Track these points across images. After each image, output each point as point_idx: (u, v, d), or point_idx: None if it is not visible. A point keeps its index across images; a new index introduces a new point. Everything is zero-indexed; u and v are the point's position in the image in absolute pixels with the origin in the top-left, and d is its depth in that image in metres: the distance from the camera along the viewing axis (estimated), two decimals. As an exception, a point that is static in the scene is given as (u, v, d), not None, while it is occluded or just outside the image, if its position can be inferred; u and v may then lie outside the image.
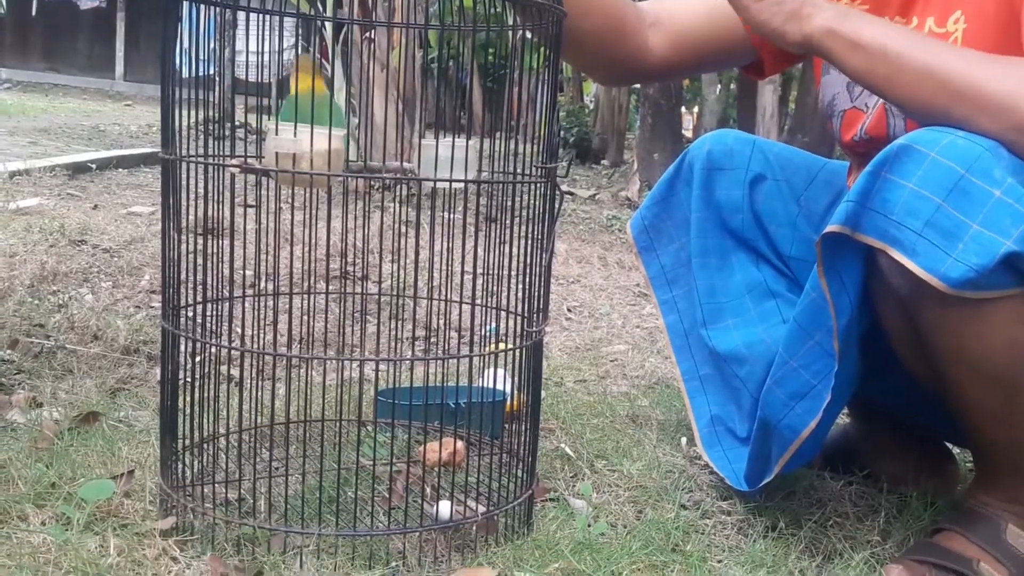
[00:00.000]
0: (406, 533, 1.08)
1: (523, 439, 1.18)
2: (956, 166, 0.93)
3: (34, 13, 15.46)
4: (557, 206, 1.16)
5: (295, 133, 1.03)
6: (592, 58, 1.37)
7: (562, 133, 9.23)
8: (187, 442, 1.13)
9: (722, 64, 1.45)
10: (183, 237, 1.08)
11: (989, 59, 1.00)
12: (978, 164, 0.93)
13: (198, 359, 1.17)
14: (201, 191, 1.07)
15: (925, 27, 1.12)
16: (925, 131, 0.98)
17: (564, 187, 6.01)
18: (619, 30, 1.31)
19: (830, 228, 1.01)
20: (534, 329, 1.16)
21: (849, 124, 1.27)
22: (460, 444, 1.28)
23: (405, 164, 1.21)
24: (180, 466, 1.12)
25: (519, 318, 1.19)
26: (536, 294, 1.16)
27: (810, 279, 1.07)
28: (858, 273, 1.04)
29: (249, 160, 1.12)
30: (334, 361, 1.68)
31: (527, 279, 1.15)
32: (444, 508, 1.10)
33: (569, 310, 2.58)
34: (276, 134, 1.06)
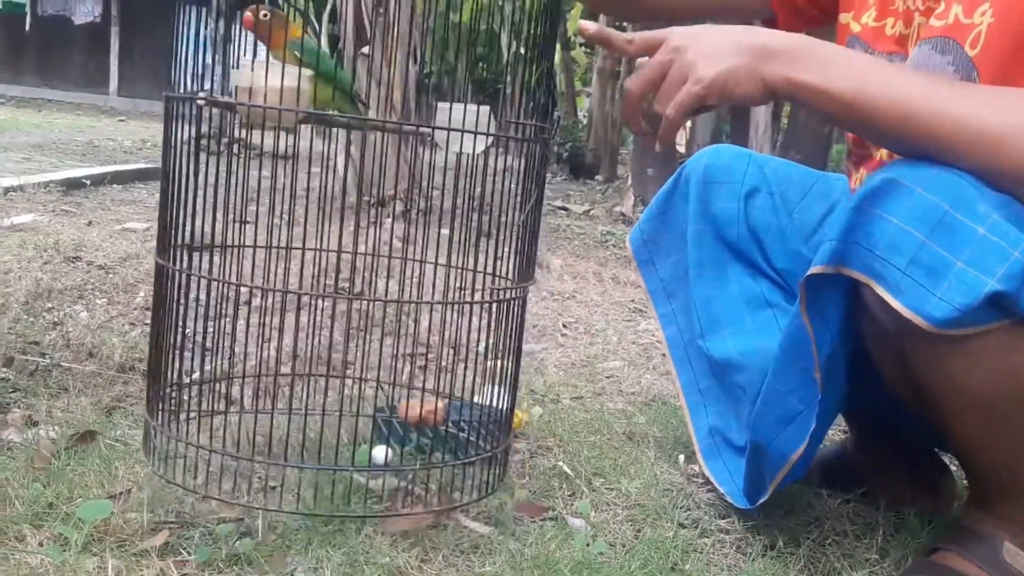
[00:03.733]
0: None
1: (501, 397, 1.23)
2: (940, 201, 0.93)
3: (28, 28, 15.48)
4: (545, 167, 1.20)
5: (254, 68, 1.05)
6: None
7: (556, 148, 9.26)
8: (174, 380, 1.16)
9: (735, 11, 1.43)
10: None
11: (967, 94, 0.99)
12: (962, 199, 0.93)
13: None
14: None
15: (951, 15, 1.09)
16: (910, 164, 0.98)
17: (559, 203, 5.99)
18: None
19: (814, 270, 1.01)
20: (521, 285, 1.20)
21: None
22: (440, 403, 1.30)
23: (423, 128, 1.21)
24: (166, 401, 1.14)
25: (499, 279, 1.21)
26: (522, 250, 1.19)
27: (794, 309, 1.07)
28: (840, 305, 1.04)
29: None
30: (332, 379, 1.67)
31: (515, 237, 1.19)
32: (379, 453, 1.18)
33: (565, 326, 2.58)
34: (239, 69, 1.08)
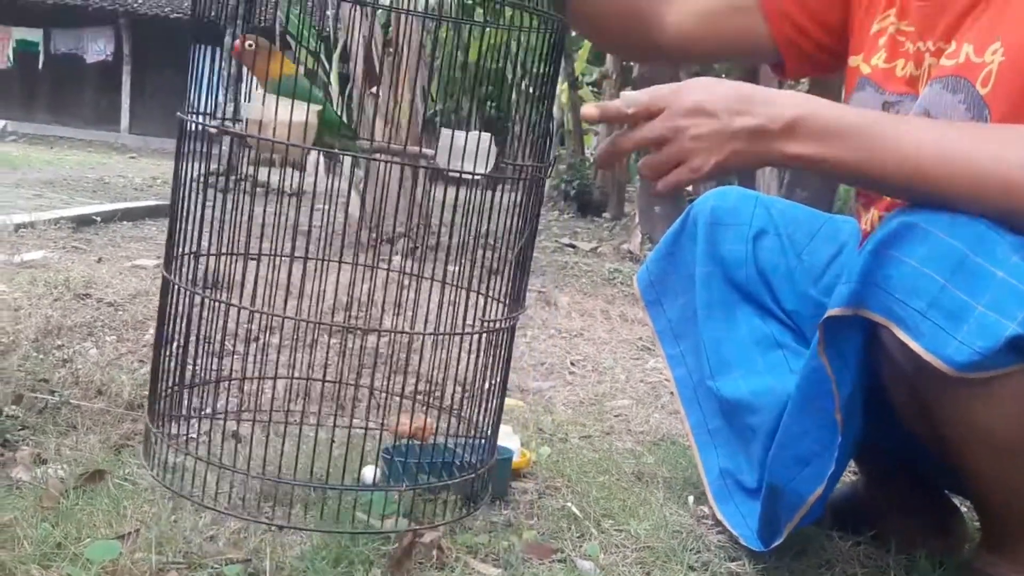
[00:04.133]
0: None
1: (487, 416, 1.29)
2: (959, 244, 0.93)
3: (41, 66, 15.66)
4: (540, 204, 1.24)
5: (265, 102, 1.07)
6: (604, 32, 1.41)
7: (563, 186, 9.30)
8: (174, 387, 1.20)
9: (742, 55, 1.44)
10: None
11: (976, 139, 0.99)
12: (981, 242, 0.93)
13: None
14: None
15: (962, 54, 1.10)
16: (927, 207, 0.98)
17: (566, 240, 6.00)
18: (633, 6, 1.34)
19: (832, 312, 1.01)
20: (511, 316, 1.24)
21: None
22: (429, 420, 1.34)
23: (426, 151, 1.24)
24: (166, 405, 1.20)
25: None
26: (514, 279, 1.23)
27: (811, 350, 1.07)
28: (858, 345, 1.04)
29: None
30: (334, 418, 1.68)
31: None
32: (368, 472, 1.21)
33: (573, 363, 2.58)
34: (251, 102, 1.10)
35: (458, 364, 1.23)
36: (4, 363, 1.93)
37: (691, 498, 1.49)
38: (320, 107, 1.16)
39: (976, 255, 0.93)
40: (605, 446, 1.80)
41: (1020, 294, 0.90)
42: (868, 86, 1.24)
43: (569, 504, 1.42)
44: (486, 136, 1.17)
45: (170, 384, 1.25)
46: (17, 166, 8.02)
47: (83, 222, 4.45)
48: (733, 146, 1.01)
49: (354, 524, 1.21)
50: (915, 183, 0.98)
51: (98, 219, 4.60)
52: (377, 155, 1.25)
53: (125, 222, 4.81)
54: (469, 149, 1.12)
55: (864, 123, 1.01)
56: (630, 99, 1.05)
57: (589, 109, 1.08)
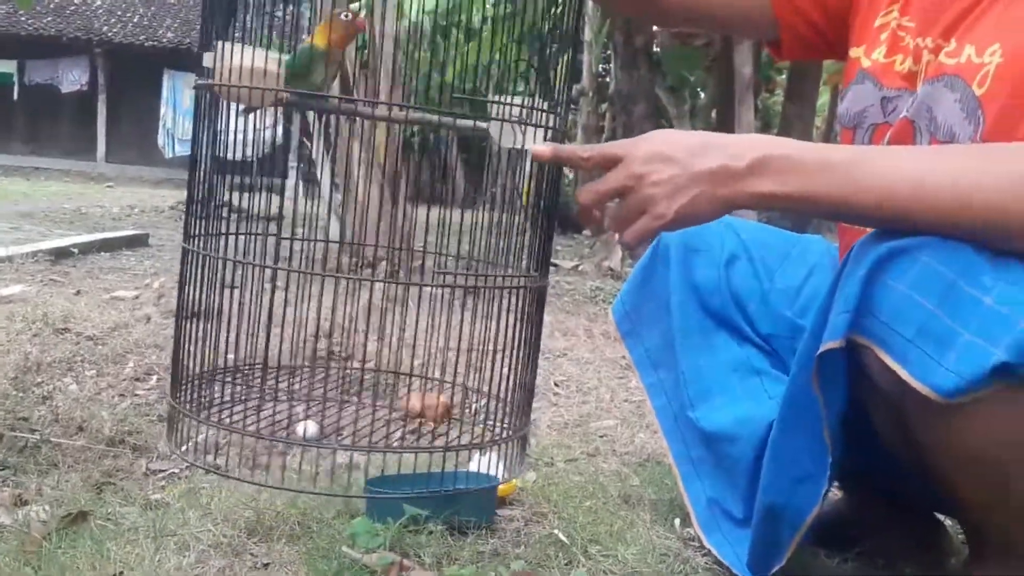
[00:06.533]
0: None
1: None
2: (948, 271, 0.93)
3: (15, 97, 15.58)
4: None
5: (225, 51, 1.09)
6: None
7: (542, 203, 9.31)
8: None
9: (742, 27, 1.42)
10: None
11: (957, 169, 0.97)
12: (969, 269, 0.93)
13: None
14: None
15: (964, 55, 1.09)
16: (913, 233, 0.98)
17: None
18: None
19: (829, 345, 1.00)
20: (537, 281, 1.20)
21: (877, 139, 1.25)
22: (442, 398, 1.29)
23: (480, 124, 1.20)
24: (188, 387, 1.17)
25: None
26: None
27: (795, 368, 1.07)
28: (843, 367, 1.04)
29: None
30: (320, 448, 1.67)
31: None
32: (309, 427, 1.19)
33: (556, 384, 2.57)
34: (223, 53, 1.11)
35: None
36: (-17, 403, 1.91)
37: (677, 520, 1.49)
38: (285, 56, 1.16)
39: (963, 281, 0.92)
40: (591, 469, 1.80)
41: (1006, 321, 0.90)
42: (867, 80, 1.23)
43: (556, 531, 1.42)
44: (537, 132, 1.14)
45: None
46: (-7, 198, 7.97)
47: (61, 254, 4.43)
48: (696, 189, 0.98)
49: (340, 559, 1.20)
50: (890, 214, 0.97)
51: (76, 251, 4.58)
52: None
53: (103, 253, 4.79)
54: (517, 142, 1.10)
55: (832, 158, 1.00)
56: (588, 147, 1.05)
57: (541, 149, 1.06)
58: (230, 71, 1.08)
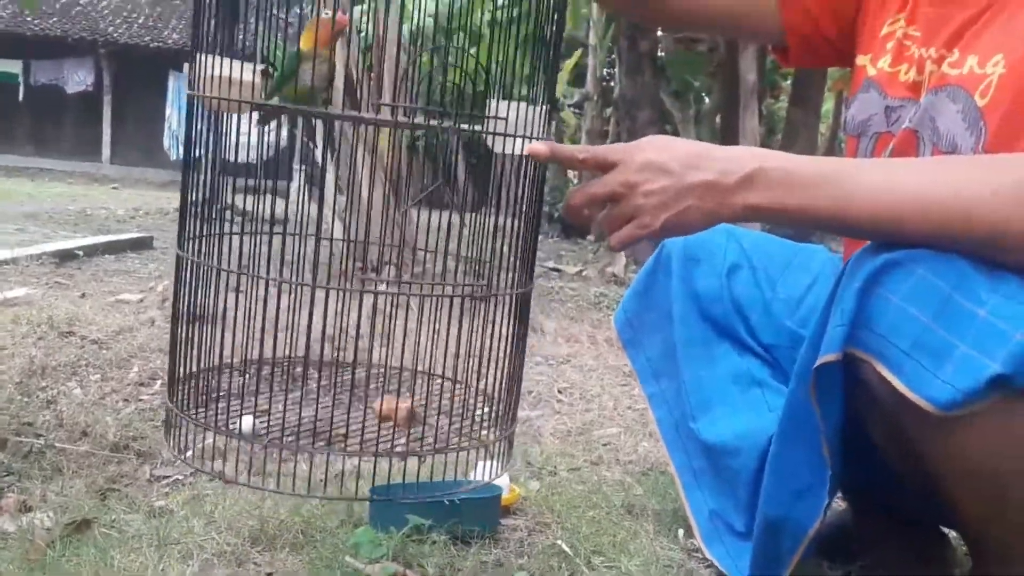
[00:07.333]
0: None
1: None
2: (944, 284, 0.94)
3: (20, 98, 15.61)
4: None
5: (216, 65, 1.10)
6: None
7: (547, 208, 9.33)
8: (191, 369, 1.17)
9: (748, 33, 1.43)
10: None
11: (953, 180, 0.97)
12: (964, 281, 0.93)
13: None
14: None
15: (966, 66, 1.10)
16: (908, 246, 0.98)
17: (551, 264, 6.00)
18: None
19: (826, 358, 1.01)
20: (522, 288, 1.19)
21: (880, 147, 1.25)
22: (405, 403, 1.28)
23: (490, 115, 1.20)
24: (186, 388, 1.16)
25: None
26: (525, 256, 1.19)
27: (794, 381, 1.08)
28: (840, 380, 1.04)
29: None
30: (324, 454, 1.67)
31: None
32: (246, 422, 1.14)
33: (560, 392, 2.58)
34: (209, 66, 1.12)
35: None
36: (-12, 407, 1.91)
37: (681, 531, 1.49)
38: (262, 66, 1.16)
39: (959, 294, 0.93)
40: (594, 478, 1.80)
41: (1002, 334, 0.90)
42: (872, 88, 1.24)
43: (559, 541, 1.42)
44: (538, 110, 1.14)
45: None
46: (-2, 199, 7.99)
47: (66, 257, 4.43)
48: (686, 202, 0.99)
49: (343, 569, 1.20)
50: (885, 227, 0.97)
51: (80, 253, 4.58)
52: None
53: (108, 255, 4.79)
54: (520, 120, 1.10)
55: (825, 171, 0.99)
56: (585, 148, 1.05)
57: (539, 146, 1.06)
58: (207, 81, 1.09)
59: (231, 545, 1.28)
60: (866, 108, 1.26)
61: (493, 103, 1.14)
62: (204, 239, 1.16)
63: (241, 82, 1.10)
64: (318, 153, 3.91)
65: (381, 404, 1.24)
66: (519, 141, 1.10)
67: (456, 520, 1.34)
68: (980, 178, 0.96)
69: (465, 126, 1.14)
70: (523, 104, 1.12)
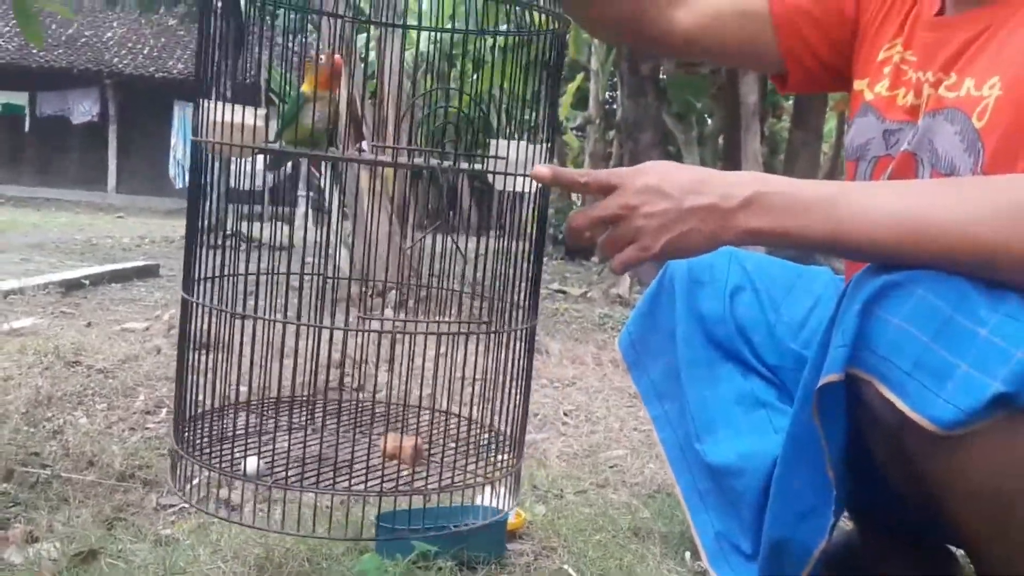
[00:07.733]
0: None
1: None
2: (944, 304, 0.94)
3: (27, 129, 15.70)
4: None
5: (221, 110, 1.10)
6: (611, 29, 1.43)
7: (551, 229, 9.35)
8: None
9: (747, 61, 1.43)
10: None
11: (950, 202, 0.97)
12: (965, 301, 0.93)
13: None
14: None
15: (964, 88, 1.11)
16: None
17: (555, 285, 6.00)
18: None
19: (828, 379, 1.01)
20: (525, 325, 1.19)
21: (879, 171, 1.26)
22: (408, 441, 1.28)
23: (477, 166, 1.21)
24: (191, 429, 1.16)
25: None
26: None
27: (798, 403, 1.08)
28: (843, 401, 1.05)
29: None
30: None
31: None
32: (251, 463, 1.14)
33: (566, 414, 2.57)
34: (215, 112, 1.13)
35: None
36: (-6, 438, 1.92)
37: (687, 553, 1.49)
38: (264, 111, 1.18)
39: (959, 314, 0.93)
40: (600, 501, 1.80)
41: (1003, 352, 0.90)
42: (870, 112, 1.25)
43: (566, 566, 1.41)
44: (539, 148, 1.16)
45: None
46: (4, 230, 8.02)
47: (72, 286, 4.45)
48: (686, 225, 1.00)
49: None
50: (883, 250, 0.98)
51: (87, 282, 4.60)
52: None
53: (114, 284, 4.81)
54: (521, 159, 1.11)
55: (822, 194, 1.00)
56: (587, 171, 1.06)
57: (542, 170, 1.07)
58: (212, 126, 1.10)
59: (237, 574, 1.28)
60: (864, 132, 1.27)
61: (494, 142, 1.16)
62: (210, 280, 1.17)
63: (243, 127, 1.12)
64: (323, 181, 3.93)
65: (386, 442, 1.25)
66: (519, 179, 1.12)
67: (462, 546, 1.34)
68: (979, 199, 0.96)
69: (466, 164, 1.16)
70: (523, 143, 1.14)
